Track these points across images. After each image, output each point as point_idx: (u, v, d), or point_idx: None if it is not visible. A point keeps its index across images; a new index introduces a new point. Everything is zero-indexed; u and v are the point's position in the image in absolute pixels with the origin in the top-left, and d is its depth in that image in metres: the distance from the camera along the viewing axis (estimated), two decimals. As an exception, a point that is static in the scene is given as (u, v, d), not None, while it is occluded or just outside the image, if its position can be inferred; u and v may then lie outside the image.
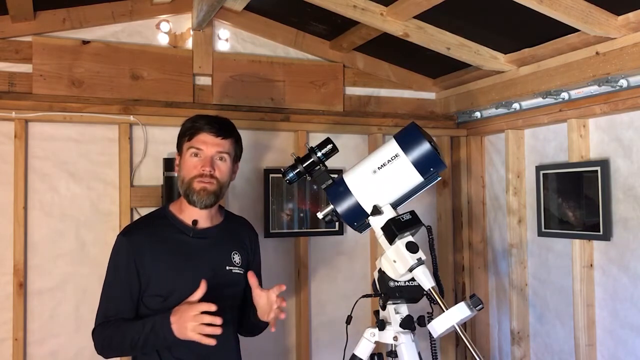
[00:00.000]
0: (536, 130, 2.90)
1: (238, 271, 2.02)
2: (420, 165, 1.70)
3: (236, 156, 2.04)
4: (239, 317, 2.08)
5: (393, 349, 1.75)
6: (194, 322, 1.72)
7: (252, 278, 1.89)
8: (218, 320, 1.71)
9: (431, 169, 1.72)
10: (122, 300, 1.92)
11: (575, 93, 2.53)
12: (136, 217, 2.66)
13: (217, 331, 1.71)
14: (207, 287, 1.85)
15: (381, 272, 1.75)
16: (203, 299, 1.85)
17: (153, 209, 2.21)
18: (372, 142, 3.10)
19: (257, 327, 2.05)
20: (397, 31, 2.50)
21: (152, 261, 1.93)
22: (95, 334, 1.93)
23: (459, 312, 1.56)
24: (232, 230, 2.10)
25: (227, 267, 2.00)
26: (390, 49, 2.95)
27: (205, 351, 1.81)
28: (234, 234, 2.09)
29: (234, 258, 2.02)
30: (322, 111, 3.04)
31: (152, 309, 1.92)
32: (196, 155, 1.94)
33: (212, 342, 1.72)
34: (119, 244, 1.97)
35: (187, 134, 1.97)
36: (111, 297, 1.94)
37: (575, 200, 2.60)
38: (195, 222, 1.97)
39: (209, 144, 1.94)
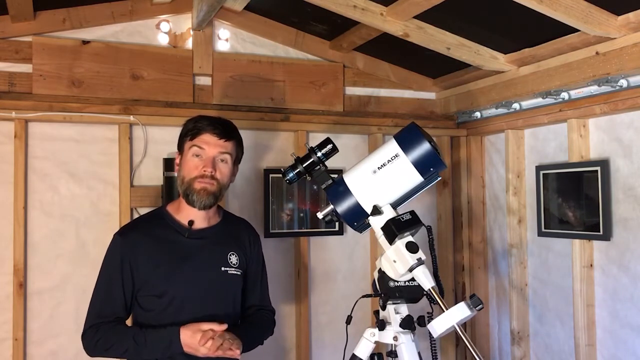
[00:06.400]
0: (536, 130, 2.90)
1: (235, 272, 2.01)
2: (420, 165, 1.70)
3: (237, 158, 2.04)
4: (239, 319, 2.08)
5: (393, 349, 1.75)
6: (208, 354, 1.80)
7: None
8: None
9: (431, 169, 1.72)
10: (116, 302, 1.92)
11: (575, 93, 2.53)
12: (136, 217, 2.66)
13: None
14: (204, 292, 1.90)
15: (381, 272, 1.75)
16: (195, 302, 1.86)
17: (153, 209, 2.21)
18: (372, 142, 3.10)
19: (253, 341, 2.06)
20: (397, 31, 2.50)
21: (146, 261, 1.93)
22: (85, 336, 1.92)
23: (459, 312, 1.56)
24: (230, 230, 2.09)
25: (223, 268, 1.99)
26: (390, 49, 2.95)
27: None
28: (231, 235, 2.08)
29: (230, 259, 2.02)
30: (322, 111, 3.04)
31: (146, 309, 1.93)
32: (198, 155, 1.94)
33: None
34: (114, 244, 1.97)
35: (189, 133, 1.97)
36: (104, 298, 1.94)
37: (575, 200, 2.60)
38: (191, 222, 1.97)
39: (211, 145, 1.94)
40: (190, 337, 1.79)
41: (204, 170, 1.92)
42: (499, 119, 2.98)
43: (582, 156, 2.57)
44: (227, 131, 1.97)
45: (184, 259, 1.95)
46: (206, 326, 1.81)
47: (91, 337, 1.91)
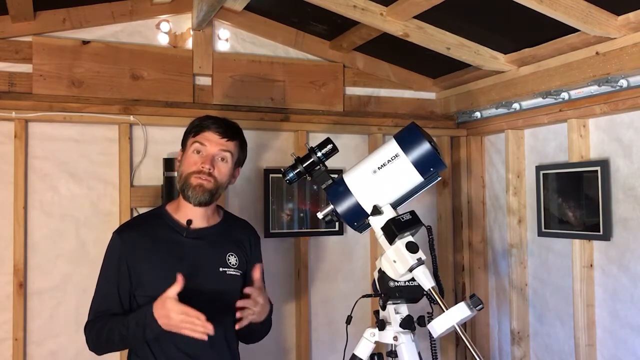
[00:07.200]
0: (536, 130, 2.90)
1: (233, 272, 2.00)
2: (420, 165, 1.70)
3: (238, 160, 2.04)
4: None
5: (393, 349, 1.75)
6: (183, 322, 1.72)
7: (257, 272, 1.88)
8: (210, 328, 1.70)
9: (431, 169, 1.72)
10: (112, 299, 1.92)
11: (575, 93, 2.53)
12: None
13: (210, 332, 1.71)
14: (201, 293, 1.86)
15: (381, 272, 1.75)
16: (196, 302, 1.85)
17: (152, 209, 2.21)
18: (372, 142, 3.10)
19: (255, 331, 2.03)
20: (397, 31, 2.50)
21: (143, 260, 1.93)
22: (86, 330, 1.94)
23: (459, 312, 1.56)
24: (230, 231, 2.08)
25: (221, 269, 1.98)
26: (390, 49, 2.95)
27: (197, 352, 1.81)
28: (231, 235, 2.07)
29: (229, 259, 2.01)
30: (322, 111, 3.04)
31: None
32: (198, 152, 1.95)
33: (203, 337, 1.72)
34: (113, 242, 1.98)
35: (193, 130, 1.98)
36: (102, 295, 1.95)
37: (575, 200, 2.60)
38: (189, 221, 1.96)
39: (212, 143, 1.94)
40: (161, 308, 1.74)
41: (202, 166, 1.92)
42: (499, 119, 2.98)
43: (582, 156, 2.57)
44: (230, 131, 1.98)
45: (181, 258, 1.94)
46: (172, 292, 1.73)
47: (88, 333, 1.93)
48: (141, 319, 1.79)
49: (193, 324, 1.71)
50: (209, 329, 1.70)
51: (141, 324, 1.79)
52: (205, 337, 1.72)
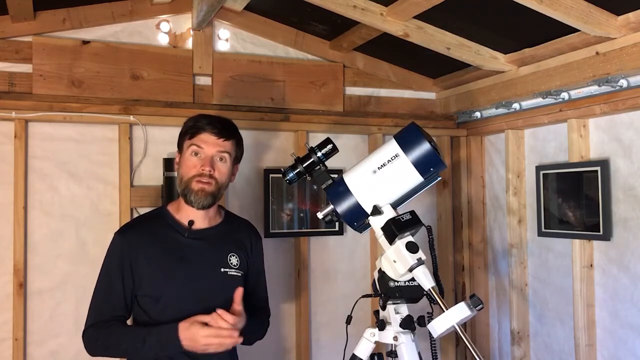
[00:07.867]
0: (536, 130, 2.90)
1: (235, 273, 2.00)
2: (420, 165, 1.70)
3: (236, 158, 2.04)
4: None
5: (393, 349, 1.75)
6: (207, 337, 1.77)
7: (238, 294, 1.88)
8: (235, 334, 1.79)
9: (431, 169, 1.72)
10: (115, 300, 1.92)
11: (575, 93, 2.53)
12: (136, 216, 2.66)
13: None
14: (202, 293, 1.89)
15: (381, 272, 1.75)
16: (196, 302, 1.85)
17: (154, 209, 2.21)
18: (372, 142, 3.10)
19: (249, 336, 2.02)
20: (397, 31, 2.50)
21: (144, 261, 1.93)
22: (86, 335, 1.92)
23: (459, 312, 1.56)
24: (231, 231, 2.08)
25: (222, 269, 1.98)
26: (390, 49, 2.95)
27: (197, 353, 1.82)
28: (232, 235, 2.07)
29: (230, 260, 2.01)
30: (322, 111, 3.04)
31: (145, 309, 1.92)
32: (196, 154, 1.94)
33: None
34: (114, 243, 1.98)
35: (188, 132, 1.97)
36: (103, 296, 1.95)
37: (575, 200, 2.60)
38: (191, 222, 1.97)
39: (209, 144, 1.94)
40: (187, 330, 1.77)
41: (202, 169, 1.92)
42: (499, 119, 2.98)
43: (582, 156, 2.57)
44: (226, 130, 1.97)
45: (182, 259, 1.94)
46: (201, 318, 1.78)
47: (91, 336, 1.92)
48: (164, 337, 1.80)
49: (220, 335, 1.77)
50: (235, 336, 1.78)
51: (164, 341, 1.80)
52: (234, 343, 1.81)
